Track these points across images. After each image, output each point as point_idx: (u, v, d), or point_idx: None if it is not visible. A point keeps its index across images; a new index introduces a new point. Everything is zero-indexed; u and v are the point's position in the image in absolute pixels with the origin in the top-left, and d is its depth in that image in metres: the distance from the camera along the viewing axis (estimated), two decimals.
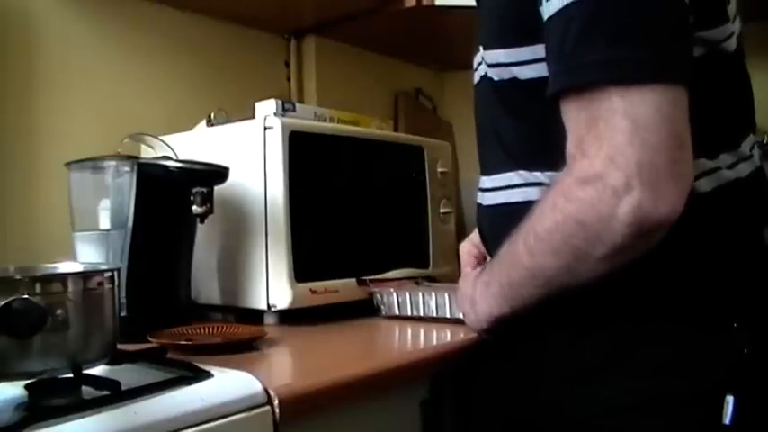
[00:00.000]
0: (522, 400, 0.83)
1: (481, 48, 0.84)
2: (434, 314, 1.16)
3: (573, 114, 0.69)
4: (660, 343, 0.73)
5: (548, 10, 0.70)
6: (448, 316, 1.13)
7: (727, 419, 0.70)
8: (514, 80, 0.79)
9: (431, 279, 1.37)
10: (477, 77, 0.89)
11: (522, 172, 0.81)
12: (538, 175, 0.80)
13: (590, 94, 0.66)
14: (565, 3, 0.68)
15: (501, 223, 0.82)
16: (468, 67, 0.88)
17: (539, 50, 0.74)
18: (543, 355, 0.80)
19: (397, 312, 1.20)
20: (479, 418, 0.93)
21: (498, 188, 0.85)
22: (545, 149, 0.77)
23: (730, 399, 0.70)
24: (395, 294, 1.21)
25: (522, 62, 0.77)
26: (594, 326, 0.76)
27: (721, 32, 0.75)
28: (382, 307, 1.22)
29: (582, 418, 0.76)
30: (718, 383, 0.71)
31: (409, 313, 1.18)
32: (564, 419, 0.77)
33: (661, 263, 0.73)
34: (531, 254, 0.74)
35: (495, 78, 0.82)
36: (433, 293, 1.17)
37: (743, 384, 0.71)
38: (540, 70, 0.74)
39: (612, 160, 0.65)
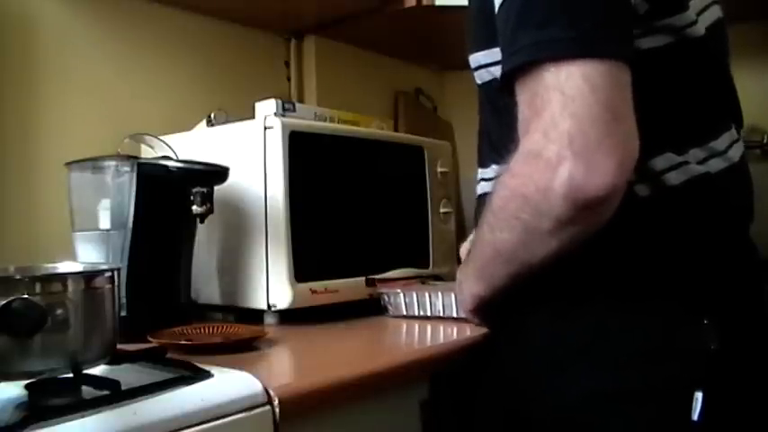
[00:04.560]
0: (516, 390, 0.84)
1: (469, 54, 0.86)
2: (441, 314, 1.16)
3: (519, 97, 0.70)
4: (629, 336, 0.74)
5: (496, 3, 0.73)
6: (455, 316, 1.13)
7: (695, 416, 0.70)
8: (495, 80, 0.80)
9: (436, 278, 1.38)
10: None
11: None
12: None
13: (529, 75, 0.68)
14: None
15: None
16: (468, 66, 0.89)
17: None
18: (526, 343, 0.81)
19: (404, 312, 1.20)
20: (480, 410, 0.93)
21: (487, 179, 0.88)
22: None
23: (699, 395, 0.70)
24: (402, 294, 1.21)
25: (498, 62, 0.77)
26: (567, 314, 0.77)
27: (680, 20, 0.75)
28: (389, 307, 1.22)
29: (558, 407, 0.76)
30: (686, 379, 0.71)
31: (416, 313, 1.19)
32: (548, 409, 0.78)
33: (632, 254, 0.74)
34: (491, 230, 0.76)
35: (479, 81, 0.86)
36: (440, 293, 1.17)
37: (711, 381, 0.71)
38: None
39: (546, 134, 0.66)
